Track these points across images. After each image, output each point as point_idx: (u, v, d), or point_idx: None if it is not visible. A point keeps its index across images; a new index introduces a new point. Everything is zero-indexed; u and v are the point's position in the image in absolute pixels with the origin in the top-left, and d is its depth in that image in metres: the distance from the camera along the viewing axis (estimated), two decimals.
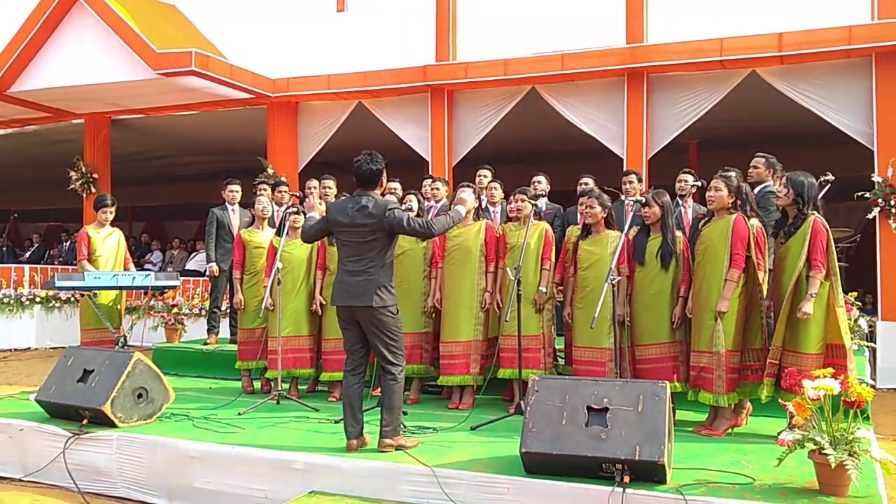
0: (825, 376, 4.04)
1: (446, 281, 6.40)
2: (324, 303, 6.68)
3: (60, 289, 7.19)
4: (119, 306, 7.74)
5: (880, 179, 9.21)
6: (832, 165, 7.16)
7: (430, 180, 8.05)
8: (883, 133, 9.25)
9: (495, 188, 7.33)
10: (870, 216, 9.37)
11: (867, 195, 9.27)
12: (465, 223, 6.38)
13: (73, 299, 12.09)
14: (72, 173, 13.51)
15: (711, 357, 5.22)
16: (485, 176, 7.91)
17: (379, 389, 5.09)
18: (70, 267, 12.76)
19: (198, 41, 11.76)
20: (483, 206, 7.06)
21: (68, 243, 16.06)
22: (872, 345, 8.36)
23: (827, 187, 6.60)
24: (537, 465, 4.24)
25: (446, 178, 9.41)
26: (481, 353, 6.29)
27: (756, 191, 6.46)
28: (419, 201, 6.59)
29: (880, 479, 4.17)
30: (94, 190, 13.18)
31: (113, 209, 7.77)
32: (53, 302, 12.51)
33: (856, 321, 7.23)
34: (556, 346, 6.42)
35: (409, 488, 4.45)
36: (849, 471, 3.76)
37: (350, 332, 4.99)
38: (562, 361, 6.45)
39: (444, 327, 6.39)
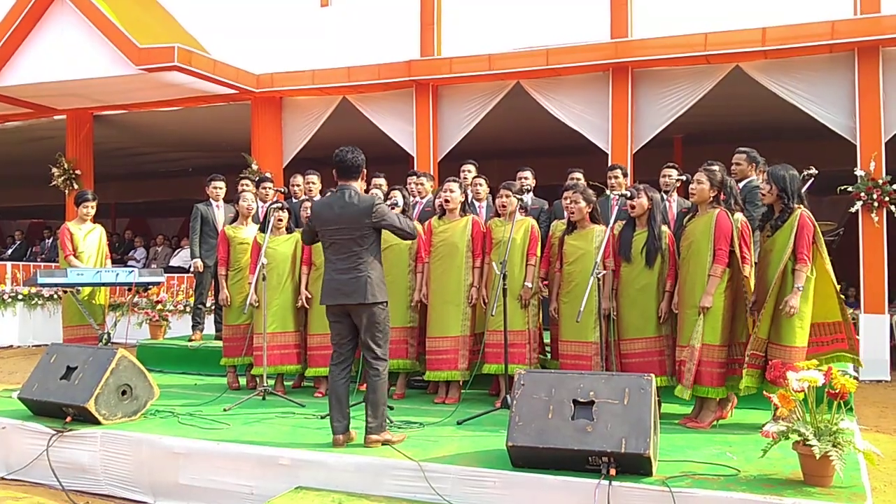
0: (809, 368, 4.07)
1: (433, 276, 6.39)
2: (310, 297, 6.65)
3: (43, 286, 7.12)
4: (102, 303, 7.68)
5: (863, 173, 9.29)
6: (815, 160, 7.21)
7: (415, 176, 8.03)
8: (865, 127, 9.32)
9: (480, 184, 7.33)
10: (852, 210, 9.45)
11: (850, 189, 9.35)
12: (452, 218, 6.37)
13: (55, 296, 12.00)
14: (54, 170, 13.41)
15: (688, 350, 5.24)
16: (469, 171, 7.91)
17: (365, 385, 5.07)
18: (53, 264, 12.65)
19: (181, 36, 11.68)
20: (469, 201, 7.05)
21: (51, 240, 15.94)
22: (856, 337, 8.42)
23: (810, 181, 6.63)
24: (524, 459, 4.25)
25: (431, 174, 9.40)
26: (469, 349, 6.28)
27: (741, 185, 6.49)
28: (404, 197, 6.57)
29: (863, 470, 4.21)
30: (76, 186, 13.08)
31: (94, 204, 7.72)
32: (36, 299, 12.40)
33: None
34: (543, 341, 6.43)
35: (396, 483, 4.44)
36: (833, 462, 3.79)
37: (339, 325, 4.97)
38: (548, 356, 6.46)
39: (430, 322, 6.37)
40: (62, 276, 7.05)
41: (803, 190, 5.36)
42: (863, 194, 9.26)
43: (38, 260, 15.30)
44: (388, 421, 5.03)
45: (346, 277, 4.85)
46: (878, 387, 8.83)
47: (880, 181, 9.20)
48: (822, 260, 5.10)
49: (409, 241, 6.46)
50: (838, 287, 5.25)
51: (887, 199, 9.19)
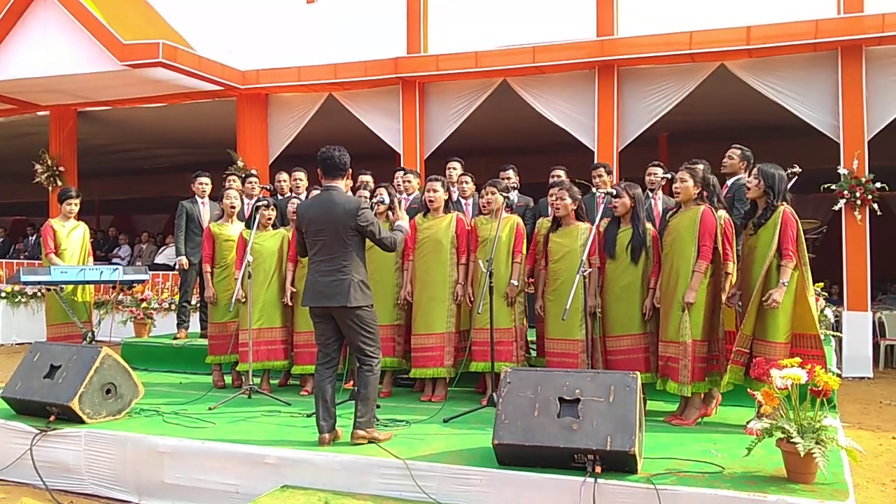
0: (793, 366, 4.10)
1: (418, 273, 6.39)
2: (295, 291, 6.63)
3: (26, 283, 7.07)
4: (87, 300, 7.63)
5: (846, 172, 9.35)
6: (799, 158, 7.25)
7: (401, 172, 8.03)
8: (848, 126, 9.39)
9: (466, 181, 7.34)
10: (836, 208, 9.52)
11: (833, 187, 9.41)
12: (436, 216, 6.37)
13: (39, 294, 11.91)
14: (37, 166, 13.29)
15: (678, 347, 5.26)
16: (454, 168, 7.91)
17: (351, 383, 5.07)
18: (36, 261, 12.56)
19: (166, 32, 11.61)
20: (454, 198, 7.05)
21: (34, 237, 15.80)
22: (838, 334, 8.51)
23: (794, 179, 6.67)
24: (510, 457, 4.26)
25: (418, 171, 9.40)
26: (454, 346, 6.28)
27: (730, 182, 6.54)
28: (391, 194, 6.56)
29: (846, 467, 4.24)
30: (60, 183, 12.98)
31: (78, 201, 7.68)
32: (19, 297, 12.30)
33: (822, 311, 7.34)
34: (529, 338, 6.44)
35: (382, 481, 4.44)
36: (816, 458, 3.82)
37: (323, 325, 4.96)
38: (534, 353, 6.48)
39: (416, 320, 6.37)
40: (45, 273, 7.00)
41: (787, 188, 5.40)
42: (846, 192, 9.32)
43: (22, 257, 15.17)
44: (374, 419, 5.02)
45: (328, 280, 4.83)
46: (860, 384, 8.91)
47: (863, 179, 9.26)
48: (804, 266, 5.12)
49: None
50: (813, 293, 5.27)
51: (870, 197, 9.27)
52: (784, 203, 5.17)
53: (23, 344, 11.82)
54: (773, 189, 5.18)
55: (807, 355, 4.93)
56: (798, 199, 5.51)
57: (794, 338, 5.15)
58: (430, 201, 6.33)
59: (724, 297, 5.36)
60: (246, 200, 7.89)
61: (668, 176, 6.32)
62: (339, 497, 4.37)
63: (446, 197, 6.44)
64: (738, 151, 6.58)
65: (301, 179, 7.91)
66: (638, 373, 4.42)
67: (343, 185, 5.01)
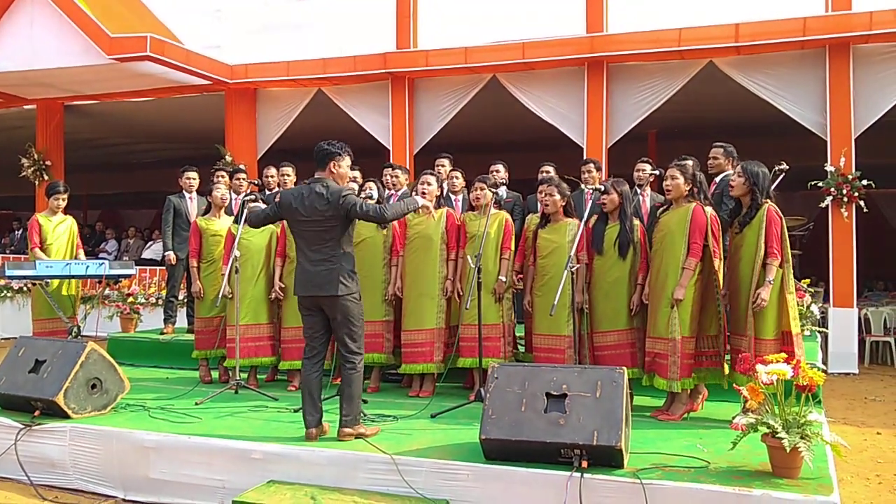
0: (778, 361, 4.11)
1: (408, 269, 6.38)
2: (284, 286, 6.61)
3: (11, 278, 7.03)
4: (72, 295, 7.59)
5: (833, 169, 9.40)
6: (787, 155, 7.28)
7: (389, 168, 8.01)
8: (835, 123, 9.44)
9: (457, 177, 7.33)
10: (822, 205, 9.56)
11: (820, 184, 9.46)
12: (426, 211, 6.35)
13: (25, 289, 11.84)
14: (23, 160, 13.21)
15: (667, 343, 5.26)
16: (443, 165, 7.89)
17: (339, 378, 5.06)
18: (22, 256, 12.48)
19: (153, 26, 11.54)
20: (444, 194, 7.04)
21: (20, 231, 15.71)
22: (824, 330, 8.55)
23: (781, 176, 6.70)
24: (497, 452, 4.26)
25: (407, 167, 9.38)
26: (444, 341, 6.28)
27: (719, 178, 6.55)
28: (378, 189, 6.55)
29: (831, 462, 4.27)
30: (46, 177, 12.90)
31: (65, 196, 7.63)
32: (5, 291, 12.23)
33: (808, 307, 7.37)
34: (517, 334, 6.45)
35: (369, 476, 4.43)
36: (801, 453, 3.83)
37: (312, 318, 4.95)
38: (522, 349, 6.48)
39: (406, 315, 6.36)
40: (31, 268, 6.96)
41: (774, 185, 5.42)
42: (833, 190, 9.37)
43: (7, 251, 15.08)
44: (362, 414, 5.02)
45: (317, 269, 4.83)
46: (845, 380, 8.96)
47: (850, 177, 9.32)
48: (786, 263, 5.14)
49: (384, 234, 6.45)
50: (794, 291, 5.30)
51: (857, 194, 9.32)
52: (768, 200, 5.19)
53: (9, 339, 11.73)
54: (758, 187, 5.20)
55: (783, 352, 4.97)
56: (785, 196, 5.54)
57: (785, 336, 5.17)
58: (424, 194, 6.30)
59: (718, 294, 5.38)
60: (234, 196, 7.85)
61: (657, 172, 6.34)
62: (326, 492, 4.36)
63: (438, 192, 6.43)
64: (721, 150, 6.60)
65: (289, 175, 7.87)
66: (625, 368, 4.42)
67: (328, 174, 4.95)
